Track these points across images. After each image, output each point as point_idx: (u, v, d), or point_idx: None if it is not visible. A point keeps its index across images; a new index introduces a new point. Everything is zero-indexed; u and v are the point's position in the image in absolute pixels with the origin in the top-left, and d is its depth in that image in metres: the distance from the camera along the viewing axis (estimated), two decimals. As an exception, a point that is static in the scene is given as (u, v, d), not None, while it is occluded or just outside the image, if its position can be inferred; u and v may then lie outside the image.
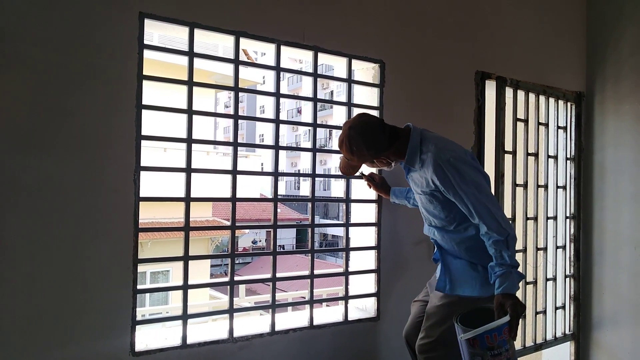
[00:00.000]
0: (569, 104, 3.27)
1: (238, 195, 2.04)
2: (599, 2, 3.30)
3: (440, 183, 1.74)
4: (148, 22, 1.80)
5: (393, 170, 2.02)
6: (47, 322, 1.62)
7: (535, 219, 3.02)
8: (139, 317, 1.80)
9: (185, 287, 1.91)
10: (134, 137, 1.76)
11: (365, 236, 2.43)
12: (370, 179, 2.31)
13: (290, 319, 2.26)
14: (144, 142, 1.80)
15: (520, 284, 2.85)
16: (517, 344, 2.91)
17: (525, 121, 2.96)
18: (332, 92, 28.94)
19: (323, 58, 2.28)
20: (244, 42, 2.06)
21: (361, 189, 2.47)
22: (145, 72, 1.79)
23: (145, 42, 1.80)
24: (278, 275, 2.14)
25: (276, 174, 2.12)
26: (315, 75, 2.23)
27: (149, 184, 1.97)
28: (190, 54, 1.90)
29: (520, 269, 1.69)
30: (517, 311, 1.57)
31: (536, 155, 3.03)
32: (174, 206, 1.95)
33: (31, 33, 1.59)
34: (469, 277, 1.83)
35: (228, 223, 2.04)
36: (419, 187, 1.86)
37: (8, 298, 1.57)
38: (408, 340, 2.06)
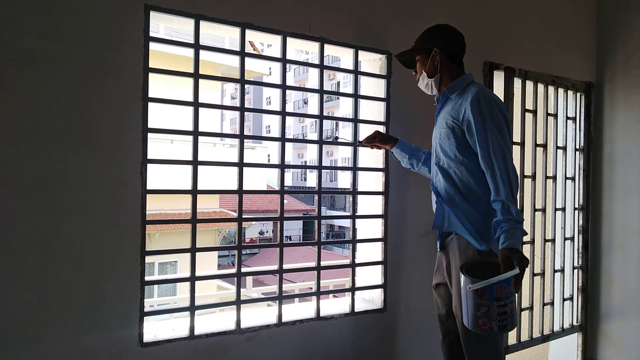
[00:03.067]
0: (578, 94, 3.23)
1: (245, 187, 2.04)
2: (610, -10, 3.25)
3: (470, 112, 1.75)
4: (154, 15, 1.80)
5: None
6: (56, 314, 1.64)
7: (544, 210, 3.00)
8: (147, 308, 1.82)
9: (192, 279, 1.92)
10: (141, 130, 1.76)
11: (372, 228, 2.43)
12: (371, 139, 2.22)
13: (297, 310, 2.27)
14: (150, 135, 1.80)
15: (528, 267, 2.85)
16: (524, 335, 2.91)
17: (534, 112, 2.94)
18: (338, 83, 28.83)
19: (329, 49, 2.27)
20: (250, 34, 2.05)
21: (368, 180, 2.46)
22: (151, 64, 1.79)
23: (152, 34, 1.79)
24: (285, 266, 2.15)
25: (282, 166, 2.12)
26: (321, 66, 2.22)
27: (156, 175, 1.98)
28: (196, 46, 1.90)
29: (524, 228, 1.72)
30: (523, 264, 1.63)
31: (545, 146, 3.00)
32: (181, 197, 1.96)
33: (37, 26, 1.59)
34: (462, 226, 1.82)
35: (235, 214, 2.04)
36: (445, 120, 1.87)
37: (18, 290, 1.58)
38: (444, 323, 2.00)
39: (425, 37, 1.95)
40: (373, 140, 2.22)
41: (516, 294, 1.65)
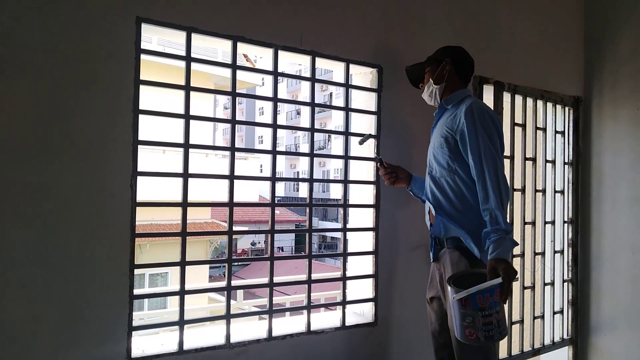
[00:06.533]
0: (566, 108, 3.27)
1: (237, 197, 2.02)
2: (597, 8, 3.31)
3: (464, 121, 1.79)
4: (145, 27, 1.80)
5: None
6: (43, 328, 1.61)
7: (533, 223, 3.02)
8: (136, 322, 1.80)
9: (182, 293, 1.90)
10: (131, 142, 1.76)
11: (363, 241, 2.42)
12: (388, 171, 2.18)
13: (288, 325, 2.25)
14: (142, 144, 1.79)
15: (518, 281, 2.87)
16: (515, 349, 2.90)
17: (523, 126, 2.96)
18: (331, 94, 28.98)
19: (321, 62, 2.28)
20: (242, 47, 2.06)
21: (359, 193, 2.47)
22: (143, 73, 1.78)
23: (144, 44, 1.79)
24: (276, 278, 2.13)
25: (274, 179, 2.12)
26: (312, 80, 2.23)
27: (147, 185, 1.97)
28: (188, 58, 1.90)
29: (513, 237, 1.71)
30: (509, 274, 1.61)
31: (534, 159, 3.03)
32: (172, 208, 1.95)
33: (27, 38, 1.58)
34: (455, 230, 1.84)
35: (226, 224, 2.03)
36: (440, 130, 1.91)
37: (5, 303, 1.56)
38: (437, 338, 1.99)
39: (439, 51, 2.03)
40: (390, 173, 2.17)
41: (504, 305, 1.64)
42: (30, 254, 1.59)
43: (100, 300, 1.71)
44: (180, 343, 1.86)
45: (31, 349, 1.59)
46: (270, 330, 2.07)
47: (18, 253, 1.58)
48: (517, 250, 2.91)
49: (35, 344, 1.60)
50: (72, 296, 1.66)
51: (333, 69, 2.45)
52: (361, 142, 2.23)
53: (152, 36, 2.11)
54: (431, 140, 2.01)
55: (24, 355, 1.58)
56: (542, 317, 3.06)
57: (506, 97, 2.88)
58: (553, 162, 3.17)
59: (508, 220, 1.88)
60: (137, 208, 1.78)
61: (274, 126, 2.12)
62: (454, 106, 1.91)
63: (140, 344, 1.88)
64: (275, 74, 2.11)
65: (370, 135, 2.26)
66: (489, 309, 1.59)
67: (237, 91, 2.03)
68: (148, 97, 1.81)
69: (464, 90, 1.96)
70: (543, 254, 3.09)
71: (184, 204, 1.90)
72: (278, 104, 2.14)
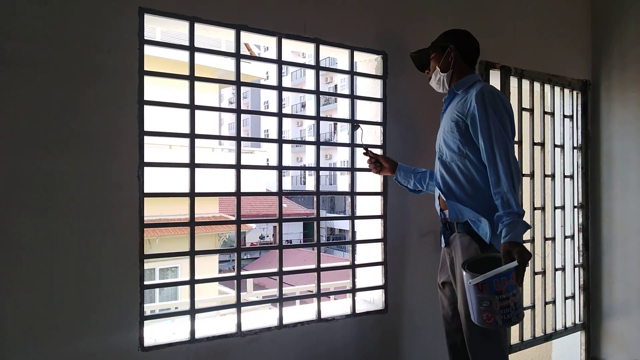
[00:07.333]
0: (574, 92, 3.23)
1: (243, 189, 2.03)
2: (605, -13, 3.26)
3: (475, 105, 1.78)
4: (148, 17, 1.80)
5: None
6: (56, 318, 1.63)
7: (543, 209, 2.99)
8: (148, 313, 1.81)
9: (192, 282, 1.91)
10: (137, 133, 1.76)
11: (371, 229, 2.42)
12: (374, 160, 2.25)
13: (298, 313, 2.26)
14: (149, 140, 1.80)
15: (529, 266, 2.86)
16: (527, 334, 2.90)
17: (531, 110, 2.93)
18: (336, 86, 28.85)
19: (325, 50, 2.27)
20: (245, 36, 2.05)
21: (366, 181, 2.46)
22: (149, 69, 1.78)
23: (148, 37, 1.79)
24: (285, 269, 2.14)
25: (280, 168, 2.11)
26: (317, 67, 2.22)
27: (155, 181, 1.97)
28: (191, 48, 1.90)
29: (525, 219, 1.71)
30: (524, 257, 1.61)
31: (542, 144, 3.00)
32: (181, 203, 1.96)
33: (31, 31, 1.59)
34: (469, 212, 1.83)
35: (234, 217, 2.04)
36: (449, 116, 1.91)
37: (17, 294, 1.58)
38: (449, 323, 2.00)
39: (442, 37, 2.02)
40: (375, 162, 2.23)
41: (519, 288, 1.64)
42: (40, 245, 1.61)
43: (112, 291, 1.72)
44: (192, 332, 1.88)
45: (42, 340, 1.61)
46: (280, 318, 2.08)
47: (28, 244, 1.59)
48: (527, 235, 2.88)
49: (46, 334, 1.62)
50: (83, 287, 1.68)
51: (337, 56, 2.43)
52: (354, 129, 2.26)
53: (155, 27, 2.10)
54: (441, 125, 2.00)
55: (39, 345, 1.60)
56: (554, 302, 3.05)
57: (513, 82, 2.84)
58: (562, 146, 3.14)
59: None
60: (145, 201, 1.78)
61: (279, 115, 2.11)
62: (464, 91, 1.91)
63: (153, 333, 1.89)
64: (280, 62, 2.11)
65: (358, 125, 2.26)
66: (505, 292, 1.59)
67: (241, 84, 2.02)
68: (154, 94, 1.81)
69: (474, 75, 1.96)
70: (553, 239, 3.07)
71: (192, 194, 1.90)
72: (283, 95, 2.13)
